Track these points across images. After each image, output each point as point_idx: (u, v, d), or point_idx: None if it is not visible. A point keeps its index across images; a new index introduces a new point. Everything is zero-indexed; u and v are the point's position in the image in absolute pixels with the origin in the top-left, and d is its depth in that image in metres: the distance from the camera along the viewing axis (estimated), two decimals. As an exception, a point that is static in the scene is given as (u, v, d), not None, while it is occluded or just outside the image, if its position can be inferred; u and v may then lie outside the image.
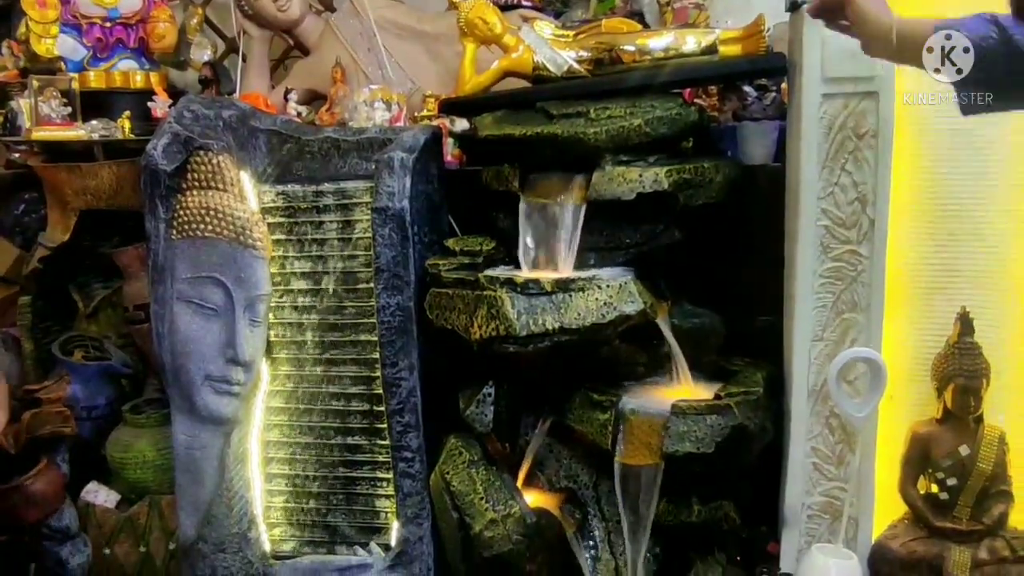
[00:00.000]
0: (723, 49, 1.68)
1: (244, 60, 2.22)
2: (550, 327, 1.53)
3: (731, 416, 1.53)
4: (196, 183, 1.76)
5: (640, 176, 1.60)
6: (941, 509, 1.59)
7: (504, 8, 2.12)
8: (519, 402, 1.75)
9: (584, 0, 2.18)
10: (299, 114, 2.14)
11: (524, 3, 2.12)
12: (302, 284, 1.83)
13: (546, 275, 1.62)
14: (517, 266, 1.73)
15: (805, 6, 1.49)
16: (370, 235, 1.74)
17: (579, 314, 1.54)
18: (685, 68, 1.67)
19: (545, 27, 1.78)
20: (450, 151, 1.93)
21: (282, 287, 1.83)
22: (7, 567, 1.79)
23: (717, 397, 1.59)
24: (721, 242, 1.74)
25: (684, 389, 1.70)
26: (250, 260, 1.74)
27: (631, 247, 1.69)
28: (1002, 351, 1.56)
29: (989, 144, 1.53)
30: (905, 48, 1.15)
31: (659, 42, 1.70)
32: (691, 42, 1.69)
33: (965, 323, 1.54)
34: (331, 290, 1.81)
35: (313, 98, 2.20)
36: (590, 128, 1.60)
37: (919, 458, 1.62)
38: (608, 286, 1.56)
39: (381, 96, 1.99)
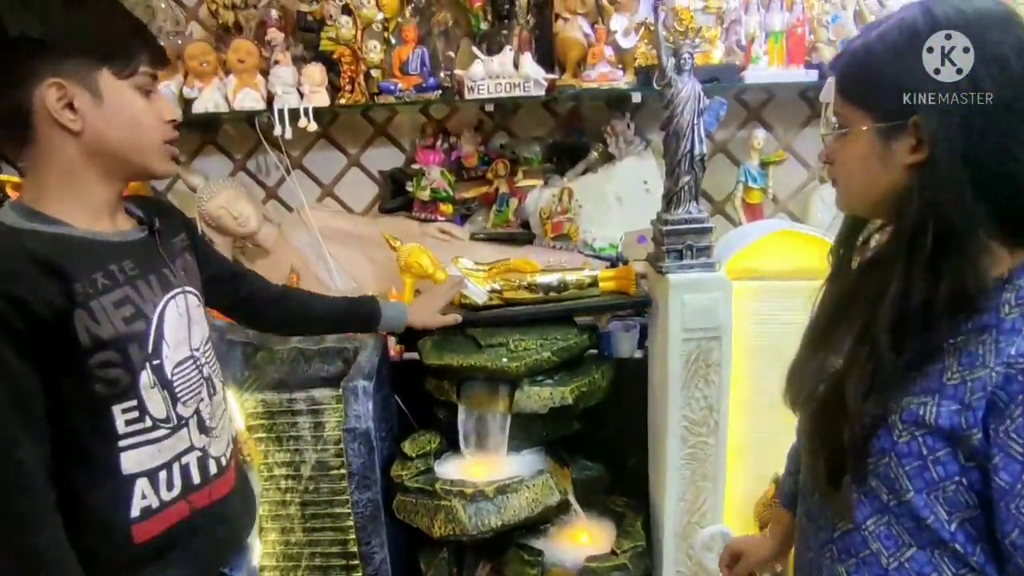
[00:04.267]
0: (603, 284, 1.68)
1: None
2: (494, 524, 1.52)
3: (627, 571, 1.58)
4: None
5: (551, 395, 1.58)
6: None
7: (426, 221, 2.03)
8: (466, 558, 1.72)
9: (485, 209, 2.11)
10: (262, 307, 1.98)
11: (439, 218, 2.02)
12: (283, 471, 1.71)
13: (486, 476, 1.59)
14: (458, 451, 1.69)
15: (669, 276, 1.52)
16: (339, 433, 1.65)
17: (515, 511, 1.53)
18: (582, 303, 1.66)
19: (466, 262, 1.72)
20: (392, 347, 1.84)
21: (267, 473, 1.71)
22: None
23: (613, 552, 1.63)
24: (603, 413, 1.78)
25: (583, 530, 1.73)
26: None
27: (544, 438, 1.69)
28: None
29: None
30: None
31: (553, 278, 1.69)
32: (578, 278, 1.68)
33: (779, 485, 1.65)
34: (308, 475, 1.71)
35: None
36: (512, 363, 1.56)
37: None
38: (534, 485, 1.55)
39: (333, 302, 1.86)
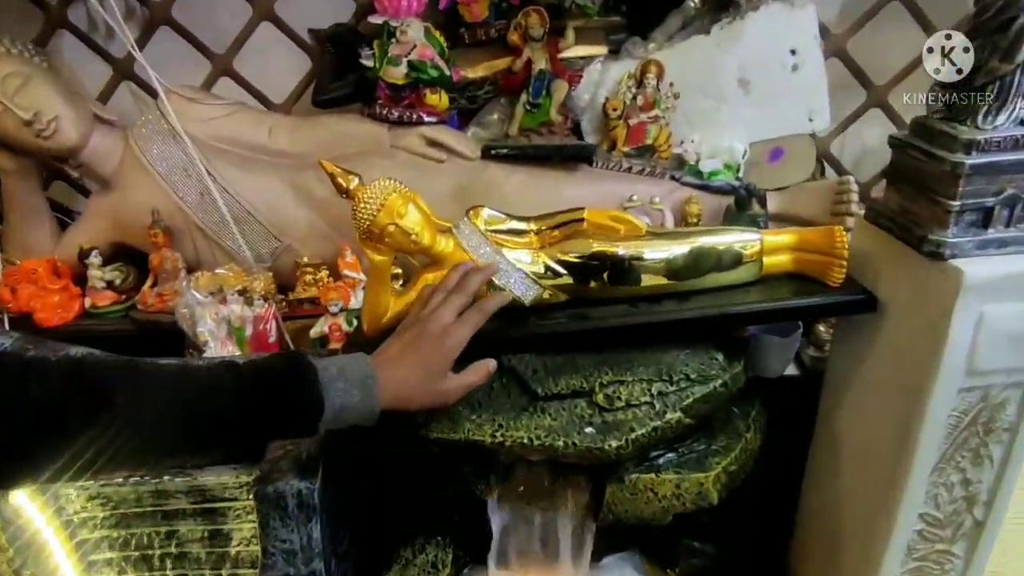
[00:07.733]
0: (769, 259, 0.85)
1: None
2: None
3: None
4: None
5: (678, 490, 0.80)
6: None
7: (401, 123, 1.11)
8: None
9: (506, 101, 1.19)
10: (110, 284, 1.08)
11: (424, 117, 1.10)
12: (161, 610, 0.92)
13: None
14: (484, 562, 0.91)
15: (958, 263, 0.70)
16: (256, 548, 0.85)
17: None
18: (740, 304, 0.82)
19: (490, 212, 0.84)
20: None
21: (130, 614, 0.91)
22: None
23: None
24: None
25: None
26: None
27: (644, 539, 0.92)
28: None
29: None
30: None
31: (679, 250, 0.83)
32: (727, 246, 0.84)
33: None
34: (210, 617, 0.92)
35: (120, 251, 1.11)
36: (608, 438, 0.75)
37: None
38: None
39: (235, 284, 0.98)
